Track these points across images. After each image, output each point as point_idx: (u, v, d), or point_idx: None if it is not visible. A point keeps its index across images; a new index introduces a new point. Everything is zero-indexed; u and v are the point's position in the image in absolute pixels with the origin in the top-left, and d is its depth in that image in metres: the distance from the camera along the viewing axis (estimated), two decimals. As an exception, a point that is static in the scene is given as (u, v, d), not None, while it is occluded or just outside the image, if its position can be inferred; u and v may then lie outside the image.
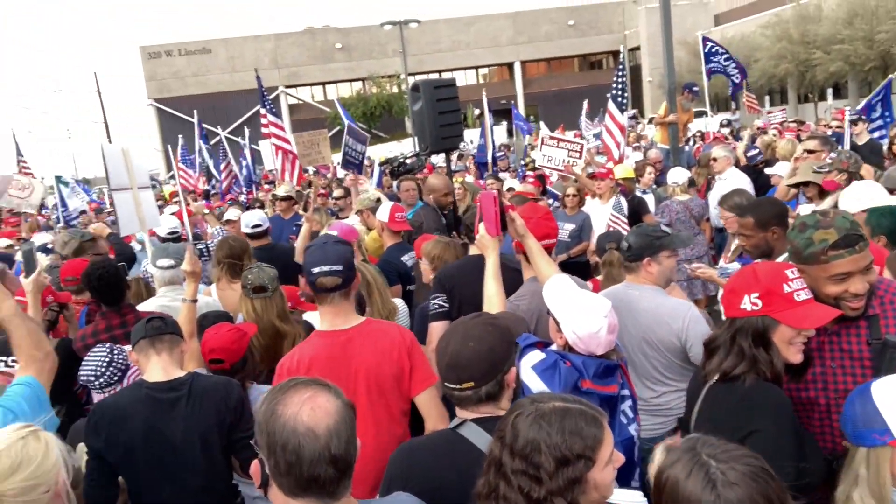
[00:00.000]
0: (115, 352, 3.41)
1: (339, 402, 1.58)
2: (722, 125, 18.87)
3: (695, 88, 11.89)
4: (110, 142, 40.58)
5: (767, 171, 7.77)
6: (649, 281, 3.43)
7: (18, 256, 7.62)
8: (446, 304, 3.65)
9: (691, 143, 12.75)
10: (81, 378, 3.36)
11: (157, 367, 2.90)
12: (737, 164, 7.91)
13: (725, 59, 14.01)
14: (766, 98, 34.71)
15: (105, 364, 3.34)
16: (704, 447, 1.55)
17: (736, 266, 4.67)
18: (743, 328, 2.24)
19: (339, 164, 9.91)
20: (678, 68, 12.20)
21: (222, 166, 15.96)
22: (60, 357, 2.93)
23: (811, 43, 31.86)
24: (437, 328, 3.61)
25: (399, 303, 4.42)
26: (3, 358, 3.68)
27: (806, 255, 2.32)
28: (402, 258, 5.22)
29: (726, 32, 40.59)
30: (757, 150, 8.57)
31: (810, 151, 5.62)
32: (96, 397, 3.36)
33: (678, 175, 7.38)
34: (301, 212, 5.65)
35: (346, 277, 2.75)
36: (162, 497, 2.85)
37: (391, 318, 4.13)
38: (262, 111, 11.65)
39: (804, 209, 4.96)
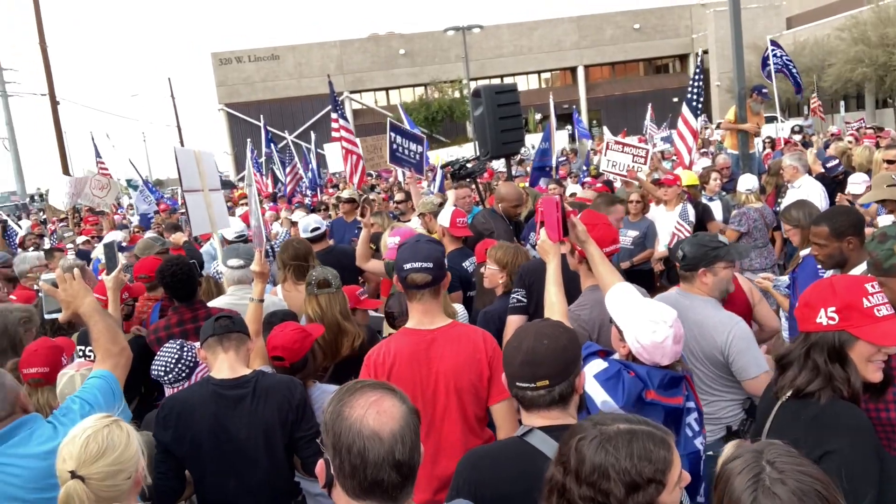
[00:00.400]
0: (185, 348, 3.53)
1: (404, 408, 1.58)
2: (793, 131, 18.22)
3: (764, 91, 11.53)
4: (182, 145, 42.00)
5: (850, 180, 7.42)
6: (703, 291, 3.35)
7: (95, 253, 7.97)
8: (525, 300, 3.68)
9: (760, 148, 12.36)
10: (153, 373, 3.49)
11: (224, 365, 2.97)
12: (809, 173, 7.62)
13: (788, 61, 13.64)
14: (842, 103, 33.41)
15: (174, 360, 3.46)
16: (770, 451, 1.51)
17: (785, 279, 4.51)
18: (818, 343, 2.15)
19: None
20: (748, 73, 11.83)
21: (288, 170, 16.33)
22: (134, 353, 3.05)
23: (891, 45, 30.49)
24: (514, 321, 3.64)
25: (459, 308, 4.43)
26: (82, 347, 3.86)
27: (887, 267, 2.23)
28: (463, 264, 5.22)
29: (799, 36, 39.27)
30: (836, 161, 8.21)
31: (890, 162, 5.37)
32: (167, 392, 3.48)
33: (750, 182, 7.15)
34: (359, 217, 5.72)
35: (436, 275, 2.80)
36: (226, 491, 2.93)
37: None
38: (334, 115, 11.86)
39: (883, 220, 4.74)
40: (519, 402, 2.12)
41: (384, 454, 1.50)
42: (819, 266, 3.74)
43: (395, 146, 9.09)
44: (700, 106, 9.23)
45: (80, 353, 3.79)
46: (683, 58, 53.25)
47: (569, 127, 31.18)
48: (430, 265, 2.78)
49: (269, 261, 5.97)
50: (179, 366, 3.46)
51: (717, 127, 25.75)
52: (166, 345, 3.59)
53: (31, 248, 10.10)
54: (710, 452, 2.62)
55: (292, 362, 3.24)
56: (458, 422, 2.75)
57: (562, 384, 2.03)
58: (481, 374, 2.75)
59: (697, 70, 9.50)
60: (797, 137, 16.70)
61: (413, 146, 9.17)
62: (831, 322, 2.13)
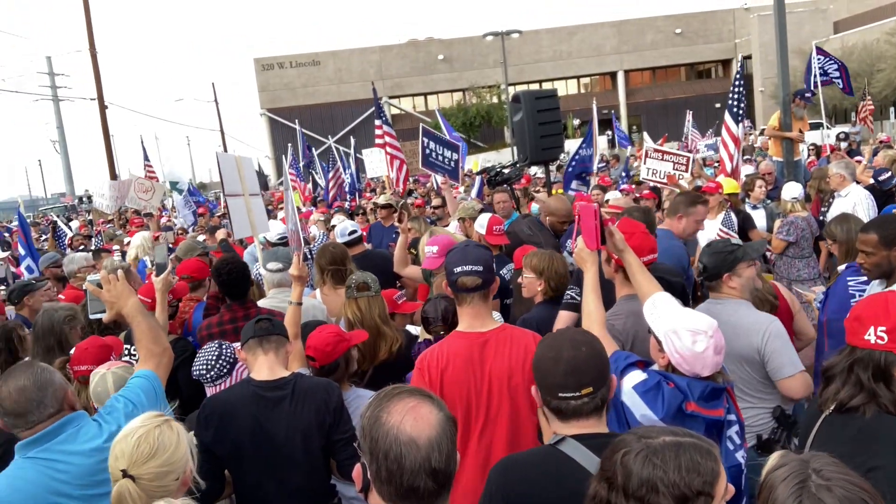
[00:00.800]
0: (224, 346, 3.60)
1: (441, 415, 1.58)
2: (839, 138, 17.76)
3: (807, 95, 11.27)
4: (225, 149, 42.80)
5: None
6: (734, 295, 3.37)
7: (130, 253, 8.12)
8: (578, 298, 3.68)
9: (804, 154, 12.09)
10: (195, 373, 3.57)
11: (263, 366, 3.02)
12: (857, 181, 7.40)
13: (835, 71, 13.29)
14: (892, 109, 32.46)
15: (214, 357, 3.54)
16: (816, 461, 1.48)
17: (820, 294, 4.41)
18: (863, 360, 2.11)
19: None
20: (793, 79, 11.56)
21: (330, 175, 16.49)
22: (175, 355, 3.12)
23: (944, 50, 29.57)
24: (564, 317, 3.67)
25: (497, 316, 4.41)
26: (128, 346, 3.96)
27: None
28: (500, 271, 5.19)
29: (847, 41, 38.28)
30: (889, 174, 7.97)
31: None
32: (208, 392, 3.55)
33: (795, 190, 6.98)
34: (396, 223, 5.75)
35: (485, 279, 2.84)
36: (264, 492, 2.97)
37: None
38: (377, 122, 11.94)
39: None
40: (556, 414, 2.08)
41: (420, 461, 1.51)
42: (865, 275, 3.66)
43: (427, 151, 9.11)
44: (742, 112, 9.04)
45: (127, 353, 3.89)
46: (726, 63, 52.39)
47: (608, 132, 30.90)
48: (480, 268, 2.82)
49: (307, 264, 6.05)
50: (220, 363, 3.53)
51: (761, 133, 25.24)
52: (206, 346, 3.67)
53: (80, 249, 10.38)
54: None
55: (322, 364, 3.28)
56: (510, 423, 2.76)
57: (602, 389, 2.04)
58: (531, 377, 2.76)
59: (738, 76, 9.32)
60: (843, 145, 16.29)
61: (448, 153, 9.17)
62: (880, 342, 2.09)
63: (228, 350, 3.58)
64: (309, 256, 6.51)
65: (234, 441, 2.92)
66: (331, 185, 16.22)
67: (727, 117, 9.06)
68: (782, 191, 7.19)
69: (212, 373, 3.52)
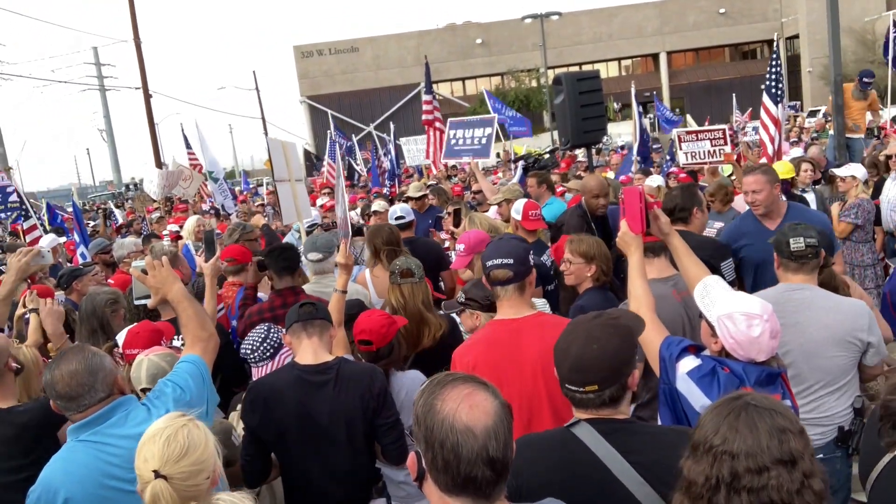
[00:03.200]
0: (272, 330, 3.66)
1: (496, 402, 1.55)
2: (894, 120, 17.13)
3: (865, 80, 10.81)
4: (266, 136, 43.26)
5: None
6: (815, 280, 3.28)
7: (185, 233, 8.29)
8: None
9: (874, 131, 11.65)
10: (242, 352, 3.65)
11: (308, 350, 3.04)
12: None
13: None
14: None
15: (260, 340, 3.59)
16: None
17: None
18: None
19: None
20: (843, 58, 11.14)
21: (377, 161, 16.51)
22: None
23: None
24: None
25: (539, 302, 4.37)
26: (177, 336, 4.03)
27: None
28: (541, 257, 5.13)
29: (901, 17, 36.82)
30: None
31: None
32: (253, 372, 3.60)
33: (859, 171, 6.69)
34: (447, 223, 5.67)
35: (517, 271, 2.85)
36: (310, 475, 3.00)
37: None
38: (427, 97, 11.83)
39: None
40: (569, 400, 2.11)
41: (478, 450, 1.48)
42: None
43: (453, 141, 8.98)
44: (780, 93, 8.74)
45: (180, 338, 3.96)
46: (772, 42, 50.95)
47: (650, 116, 30.37)
48: (511, 261, 2.85)
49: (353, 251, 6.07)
50: (264, 345, 3.58)
51: (809, 115, 24.51)
52: (256, 328, 3.72)
53: (130, 235, 10.63)
54: (821, 455, 2.49)
55: (379, 347, 3.27)
56: (548, 407, 2.73)
57: (612, 387, 2.00)
58: None
59: (775, 55, 9.01)
60: (899, 126, 15.69)
61: (479, 131, 8.91)
62: None
63: (276, 335, 3.62)
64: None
65: (279, 425, 2.95)
66: (378, 171, 16.25)
67: (765, 99, 8.78)
68: (840, 170, 6.89)
69: (256, 354, 3.57)
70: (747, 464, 1.50)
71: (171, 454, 1.99)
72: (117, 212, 14.87)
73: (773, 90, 8.70)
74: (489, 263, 2.88)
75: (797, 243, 3.22)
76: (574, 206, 6.17)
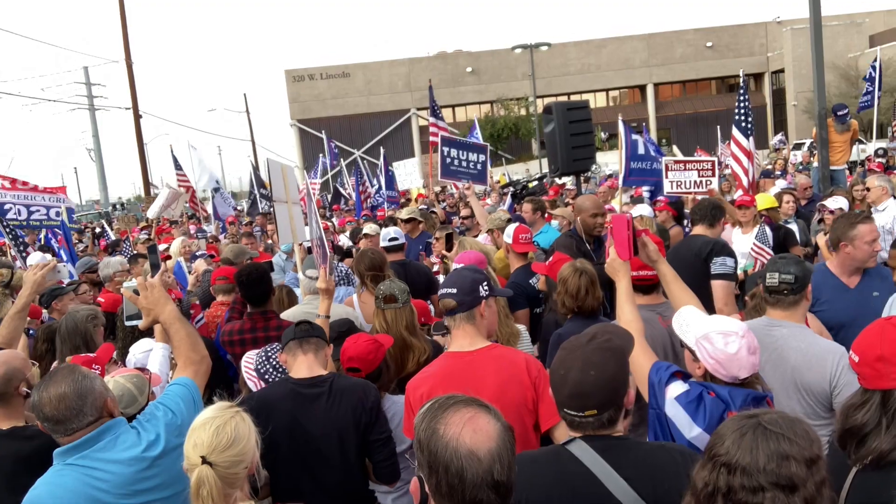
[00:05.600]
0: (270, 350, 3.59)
1: (499, 425, 1.54)
2: (877, 154, 17.46)
3: (840, 113, 11.13)
4: (256, 159, 43.28)
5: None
6: (799, 316, 3.17)
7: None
8: (728, 265, 4.10)
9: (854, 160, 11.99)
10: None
11: (303, 365, 3.06)
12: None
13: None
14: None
15: (264, 360, 3.54)
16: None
17: None
18: None
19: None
20: (827, 93, 11.38)
21: (360, 188, 16.56)
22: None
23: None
24: (721, 286, 4.39)
25: (521, 328, 4.39)
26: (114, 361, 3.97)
27: None
28: (530, 280, 5.19)
29: (883, 55, 37.52)
30: None
31: None
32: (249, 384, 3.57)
33: (843, 203, 6.83)
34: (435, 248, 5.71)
35: (461, 301, 2.87)
36: (301, 490, 2.97)
37: (512, 343, 4.11)
38: (432, 119, 11.81)
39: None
40: (566, 422, 2.14)
41: (482, 474, 1.47)
42: None
43: (448, 160, 8.97)
44: (750, 126, 8.93)
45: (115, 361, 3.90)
46: (758, 76, 51.85)
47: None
48: (454, 290, 2.89)
49: (337, 272, 6.07)
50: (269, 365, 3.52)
51: (795, 147, 24.89)
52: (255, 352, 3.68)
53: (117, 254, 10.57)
54: None
55: (368, 372, 3.28)
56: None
57: (609, 410, 2.04)
58: (526, 397, 2.76)
59: (742, 90, 9.22)
60: (881, 161, 16.00)
61: (473, 156, 8.98)
62: None
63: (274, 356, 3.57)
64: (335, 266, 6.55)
65: (272, 438, 2.91)
66: (362, 197, 16.27)
67: (735, 132, 8.95)
68: (831, 202, 7.01)
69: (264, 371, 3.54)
70: (742, 481, 1.52)
71: (218, 443, 2.12)
72: (109, 229, 14.82)
73: (743, 123, 8.91)
74: (439, 293, 2.94)
75: (771, 279, 3.16)
76: (566, 232, 6.22)
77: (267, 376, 3.46)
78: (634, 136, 9.39)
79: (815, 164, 11.60)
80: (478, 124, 13.76)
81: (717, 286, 4.74)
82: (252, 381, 3.48)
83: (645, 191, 10.86)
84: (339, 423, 2.96)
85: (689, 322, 2.48)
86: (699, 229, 5.32)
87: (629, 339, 2.21)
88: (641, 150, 9.34)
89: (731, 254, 4.95)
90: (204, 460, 2.09)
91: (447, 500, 1.50)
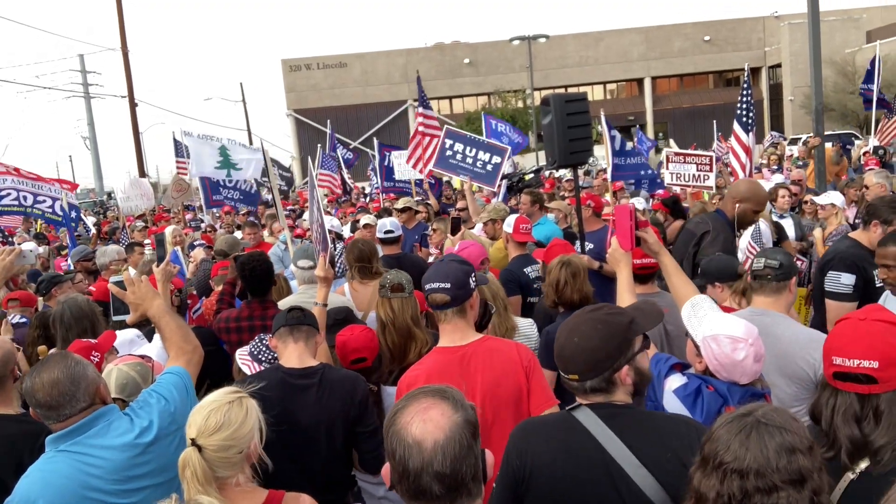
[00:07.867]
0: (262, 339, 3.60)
1: (455, 417, 1.54)
2: (874, 151, 17.49)
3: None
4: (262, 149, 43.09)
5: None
6: (782, 306, 3.20)
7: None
8: (845, 286, 4.04)
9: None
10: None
11: (293, 354, 3.07)
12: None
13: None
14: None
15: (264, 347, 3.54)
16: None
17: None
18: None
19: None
20: (824, 88, 11.39)
21: (348, 176, 16.54)
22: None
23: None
24: (834, 307, 4.04)
25: (521, 321, 4.39)
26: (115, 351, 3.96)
27: None
28: (524, 269, 5.22)
29: (880, 51, 37.64)
30: None
31: None
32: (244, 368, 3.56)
33: (837, 199, 6.82)
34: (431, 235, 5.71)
35: (454, 295, 2.78)
36: (287, 477, 2.97)
37: (509, 336, 4.11)
38: (420, 109, 11.45)
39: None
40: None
41: (422, 464, 1.49)
42: (889, 290, 3.56)
43: (449, 153, 8.71)
44: (751, 122, 8.89)
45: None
46: (755, 70, 51.87)
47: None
48: (448, 285, 2.78)
49: (338, 262, 6.07)
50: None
51: (790, 143, 24.93)
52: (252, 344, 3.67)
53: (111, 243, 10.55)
54: None
55: (373, 360, 3.34)
56: (500, 435, 2.63)
57: (593, 380, 2.05)
58: (519, 387, 2.75)
59: (746, 85, 9.17)
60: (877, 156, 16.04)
61: (485, 156, 8.66)
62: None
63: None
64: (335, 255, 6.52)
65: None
66: (352, 185, 16.25)
67: (736, 127, 8.93)
68: (820, 199, 7.01)
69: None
70: (757, 483, 1.51)
71: (207, 426, 2.19)
72: (88, 220, 14.66)
73: (744, 119, 8.87)
74: (427, 287, 2.82)
75: (757, 263, 3.23)
76: (712, 213, 5.48)
77: (260, 356, 3.47)
78: (613, 133, 9.34)
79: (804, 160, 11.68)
80: (488, 115, 13.01)
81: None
82: (246, 366, 3.47)
83: (628, 185, 10.85)
84: (328, 414, 2.97)
85: (700, 317, 2.47)
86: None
87: (647, 318, 2.17)
88: (623, 146, 9.33)
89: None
90: (193, 442, 2.17)
91: (399, 486, 1.56)
